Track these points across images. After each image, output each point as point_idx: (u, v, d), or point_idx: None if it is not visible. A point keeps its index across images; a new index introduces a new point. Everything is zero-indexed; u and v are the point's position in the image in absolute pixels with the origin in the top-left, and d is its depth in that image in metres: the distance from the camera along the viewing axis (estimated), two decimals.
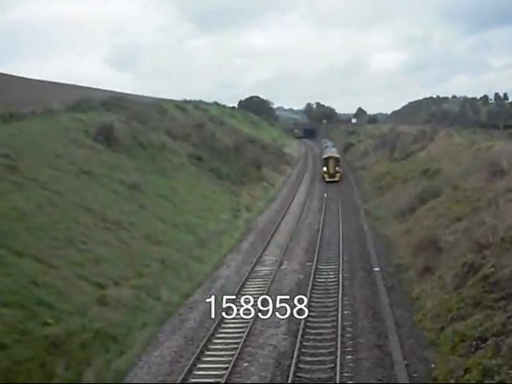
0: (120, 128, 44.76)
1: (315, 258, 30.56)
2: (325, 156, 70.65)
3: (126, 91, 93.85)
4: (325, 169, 67.67)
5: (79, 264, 22.98)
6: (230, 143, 68.64)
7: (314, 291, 25.44)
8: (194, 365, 18.36)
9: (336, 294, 24.58)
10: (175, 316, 23.17)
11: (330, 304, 23.69)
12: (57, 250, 22.92)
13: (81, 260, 23.39)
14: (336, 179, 65.78)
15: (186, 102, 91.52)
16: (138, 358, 19.08)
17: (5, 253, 20.41)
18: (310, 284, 26.07)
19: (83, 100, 53.22)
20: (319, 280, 27.17)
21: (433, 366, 17.20)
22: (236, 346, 19.61)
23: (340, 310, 22.39)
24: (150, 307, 23.03)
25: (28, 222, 23.65)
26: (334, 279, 27.12)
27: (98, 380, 17.07)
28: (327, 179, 66.19)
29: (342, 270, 28.25)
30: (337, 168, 66.74)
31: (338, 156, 69.72)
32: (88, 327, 19.04)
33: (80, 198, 29.22)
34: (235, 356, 18.83)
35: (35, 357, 16.29)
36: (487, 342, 15.59)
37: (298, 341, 19.65)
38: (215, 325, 21.57)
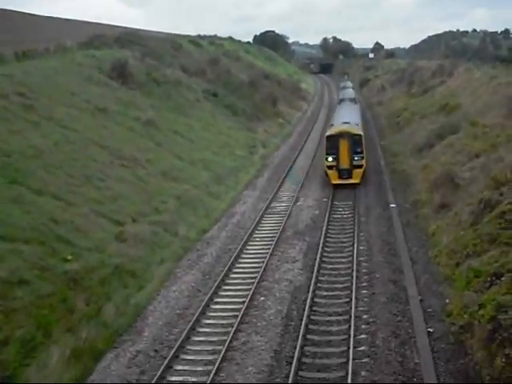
0: (134, 64, 44.35)
1: (331, 195, 30.61)
2: (329, 133, 32.96)
3: (138, 27, 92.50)
4: (330, 159, 32.15)
5: (97, 201, 23.25)
6: (246, 79, 67.58)
7: (330, 226, 25.61)
8: (211, 299, 18.78)
9: (352, 230, 24.75)
10: (192, 251, 23.51)
11: (345, 239, 23.89)
12: (74, 188, 23.15)
13: (98, 197, 23.65)
14: (354, 181, 32.05)
15: (200, 37, 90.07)
16: (156, 293, 19.50)
17: (23, 191, 20.64)
18: (326, 220, 26.23)
19: (96, 36, 52.62)
20: (335, 216, 27.30)
21: (447, 301, 17.36)
22: (253, 280, 20.00)
23: (356, 245, 22.61)
24: (167, 243, 23.35)
25: (45, 160, 23.78)
26: (349, 215, 27.23)
27: (118, 314, 17.48)
28: (334, 182, 32.16)
29: (358, 206, 28.33)
30: (355, 158, 31.93)
31: (358, 132, 32.73)
32: (107, 263, 19.41)
33: (96, 136, 29.26)
34: (255, 284, 19.57)
35: (56, 292, 16.67)
36: (502, 278, 15.60)
37: (314, 275, 19.90)
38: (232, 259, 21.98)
